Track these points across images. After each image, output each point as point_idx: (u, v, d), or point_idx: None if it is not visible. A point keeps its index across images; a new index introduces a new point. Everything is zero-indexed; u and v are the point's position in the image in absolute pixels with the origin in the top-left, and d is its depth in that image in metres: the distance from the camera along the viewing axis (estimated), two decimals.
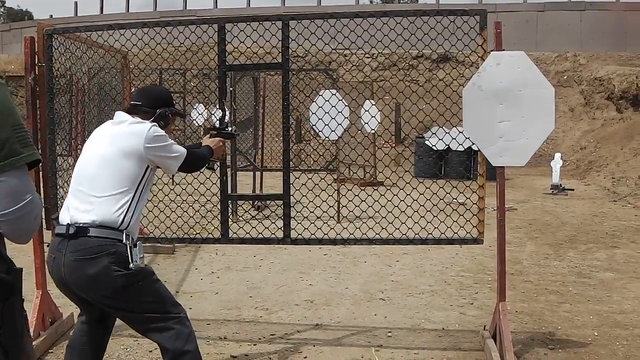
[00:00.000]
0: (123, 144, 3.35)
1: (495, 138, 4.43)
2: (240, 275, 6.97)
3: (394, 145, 14.02)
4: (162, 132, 3.49)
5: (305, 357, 4.67)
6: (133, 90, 3.76)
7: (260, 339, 5.02)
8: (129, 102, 3.66)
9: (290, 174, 4.69)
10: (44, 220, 4.92)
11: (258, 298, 6.10)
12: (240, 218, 8.99)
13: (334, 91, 8.04)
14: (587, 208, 11.79)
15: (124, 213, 3.27)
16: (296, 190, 4.99)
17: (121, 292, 3.22)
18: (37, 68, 4.80)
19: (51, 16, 40.68)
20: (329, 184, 6.84)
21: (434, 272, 7.10)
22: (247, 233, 4.83)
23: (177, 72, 13.95)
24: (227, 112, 4.51)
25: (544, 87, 4.45)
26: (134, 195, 3.33)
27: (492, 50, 4.47)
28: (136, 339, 4.98)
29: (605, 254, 8.00)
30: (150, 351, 4.76)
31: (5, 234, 1.91)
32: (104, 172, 3.31)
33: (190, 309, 5.72)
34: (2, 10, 62.76)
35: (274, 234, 4.74)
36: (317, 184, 5.31)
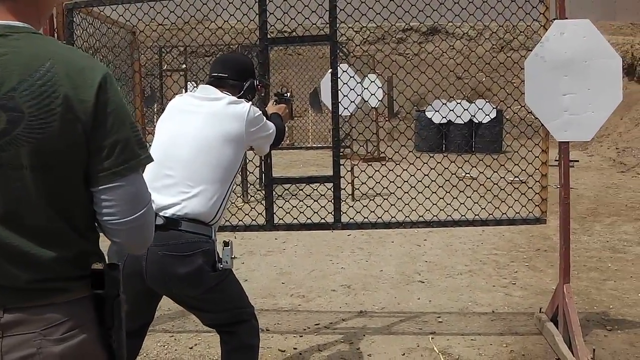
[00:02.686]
0: (226, 129, 2.97)
1: (559, 111, 4.16)
2: (265, 260, 6.67)
3: (387, 119, 13.77)
4: (258, 110, 3.14)
5: (358, 349, 4.41)
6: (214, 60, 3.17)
7: (305, 329, 4.75)
8: (211, 75, 3.18)
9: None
10: None
11: (291, 284, 5.82)
12: (253, 198, 8.70)
13: (345, 66, 7.71)
14: (597, 179, 11.63)
15: (217, 207, 2.92)
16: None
17: (210, 292, 2.95)
18: None
19: None
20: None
21: (465, 251, 6.87)
22: (294, 219, 4.52)
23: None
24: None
25: (610, 57, 4.18)
26: (229, 187, 2.99)
27: (554, 19, 4.19)
28: (172, 334, 4.70)
29: (632, 227, 7.82)
30: (190, 347, 4.49)
31: (120, 244, 1.73)
32: (202, 158, 2.92)
33: None
34: None
35: (323, 218, 4.44)
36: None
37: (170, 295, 3.02)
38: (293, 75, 16.43)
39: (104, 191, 1.63)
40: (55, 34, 4.43)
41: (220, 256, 2.93)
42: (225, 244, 2.95)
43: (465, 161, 5.09)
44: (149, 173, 2.40)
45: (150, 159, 1.71)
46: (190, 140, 2.95)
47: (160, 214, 2.83)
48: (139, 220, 1.67)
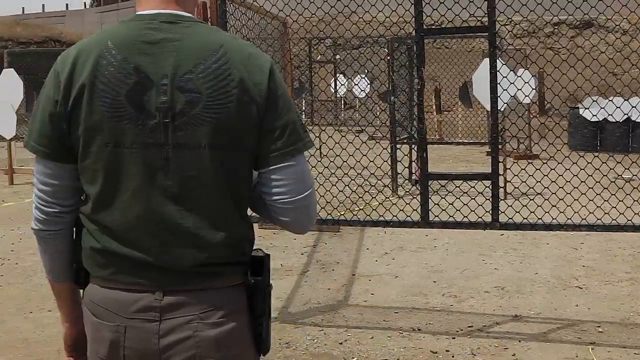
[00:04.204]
0: None
1: None
2: (416, 256, 6.57)
3: (536, 115, 13.21)
4: None
5: (514, 355, 4.21)
6: None
7: (457, 331, 4.61)
8: None
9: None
10: None
11: (443, 283, 5.68)
12: (406, 193, 8.60)
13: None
14: None
15: None
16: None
17: None
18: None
19: None
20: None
21: (625, 257, 6.42)
22: (450, 216, 4.37)
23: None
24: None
25: None
26: None
27: None
28: (321, 328, 4.70)
29: None
30: (340, 343, 4.47)
31: (288, 223, 1.73)
32: None
33: (373, 294, 5.40)
34: None
35: (481, 217, 4.27)
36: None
37: None
38: (441, 69, 16.16)
39: (275, 171, 1.65)
40: (209, 23, 4.54)
41: None
42: None
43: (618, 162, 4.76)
44: None
45: (312, 144, 1.74)
46: None
47: None
48: (307, 199, 1.69)
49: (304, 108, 16.07)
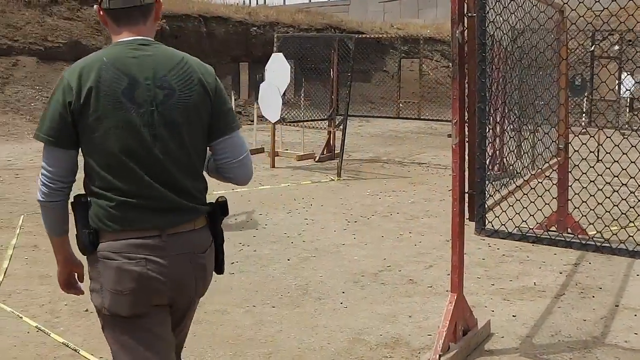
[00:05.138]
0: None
1: None
2: None
3: None
4: None
5: None
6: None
7: None
8: None
9: None
10: (466, 211, 4.02)
11: None
12: None
13: None
14: None
15: None
16: None
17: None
18: (465, 19, 3.84)
19: None
20: None
21: None
22: None
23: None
24: None
25: None
26: None
27: None
28: None
29: None
30: None
31: (232, 177, 2.53)
32: None
33: (636, 334, 4.36)
34: None
35: None
36: None
37: None
38: None
39: (223, 141, 2.46)
40: (465, 5, 3.84)
41: None
42: None
43: None
44: None
45: (240, 125, 2.54)
46: None
47: None
48: (244, 160, 2.50)
49: (584, 108, 14.61)
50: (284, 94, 11.69)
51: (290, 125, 12.71)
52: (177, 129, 2.33)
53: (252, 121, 14.54)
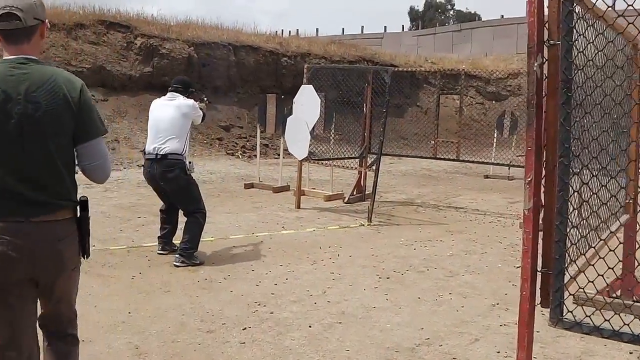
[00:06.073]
0: (183, 111, 6.99)
1: None
2: None
3: None
4: (196, 103, 7.25)
5: None
6: None
7: None
8: (172, 87, 7.28)
9: None
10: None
11: None
12: None
13: None
14: None
15: (183, 145, 6.90)
16: None
17: (184, 188, 6.94)
18: (545, 49, 2.97)
19: (502, 16, 40.03)
20: None
21: None
22: None
23: None
24: None
25: None
26: (186, 136, 6.99)
27: None
28: None
29: None
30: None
31: (90, 177, 3.12)
32: (173, 124, 6.90)
33: None
34: (452, 12, 65.04)
35: None
36: None
37: (166, 189, 6.95)
38: None
39: (82, 147, 3.02)
40: (546, 29, 2.97)
41: (188, 168, 6.86)
42: (189, 163, 6.91)
43: None
44: (151, 135, 6.96)
45: (106, 131, 3.15)
46: (168, 118, 6.92)
47: (159, 152, 6.77)
48: (103, 164, 3.09)
49: None
50: (313, 128, 10.88)
51: (318, 163, 11.88)
52: (42, 138, 2.88)
53: (279, 155, 13.77)
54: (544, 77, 2.98)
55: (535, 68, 2.93)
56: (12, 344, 2.98)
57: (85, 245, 3.11)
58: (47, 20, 3.02)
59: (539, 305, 3.18)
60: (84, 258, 3.15)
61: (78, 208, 3.09)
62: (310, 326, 5.18)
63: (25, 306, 3.00)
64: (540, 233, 3.13)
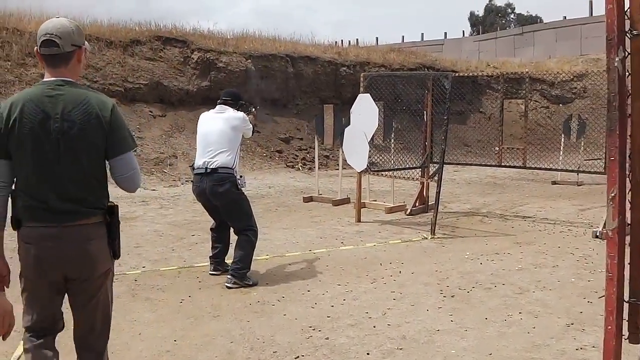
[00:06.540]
0: (233, 124, 6.74)
1: None
2: None
3: None
4: (246, 116, 7.00)
5: None
6: None
7: None
8: (221, 100, 7.06)
9: None
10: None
11: None
12: None
13: None
14: None
15: (233, 159, 6.65)
16: None
17: (234, 203, 6.66)
18: (628, 40, 2.54)
19: (564, 17, 38.90)
20: None
21: None
22: None
23: None
24: None
25: None
26: (237, 150, 6.74)
27: None
28: None
29: None
30: None
31: (124, 188, 3.33)
32: (223, 138, 6.66)
33: None
34: (512, 16, 63.77)
35: None
36: None
37: (216, 204, 6.69)
38: None
39: (115, 160, 3.25)
40: (627, 20, 2.54)
41: (239, 183, 6.61)
42: (240, 177, 6.66)
43: None
44: (200, 149, 6.69)
45: (136, 145, 3.40)
46: (217, 131, 6.68)
47: (209, 166, 6.54)
48: (132, 176, 3.30)
49: None
50: (372, 138, 10.50)
51: (378, 174, 11.49)
52: (76, 153, 3.15)
53: (339, 166, 13.45)
54: (627, 74, 2.55)
55: (616, 63, 2.51)
56: (44, 320, 3.31)
57: (115, 248, 3.33)
58: (84, 46, 3.27)
59: (626, 340, 2.74)
60: (114, 258, 3.37)
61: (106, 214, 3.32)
62: (368, 353, 4.79)
63: (57, 297, 3.32)
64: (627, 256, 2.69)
